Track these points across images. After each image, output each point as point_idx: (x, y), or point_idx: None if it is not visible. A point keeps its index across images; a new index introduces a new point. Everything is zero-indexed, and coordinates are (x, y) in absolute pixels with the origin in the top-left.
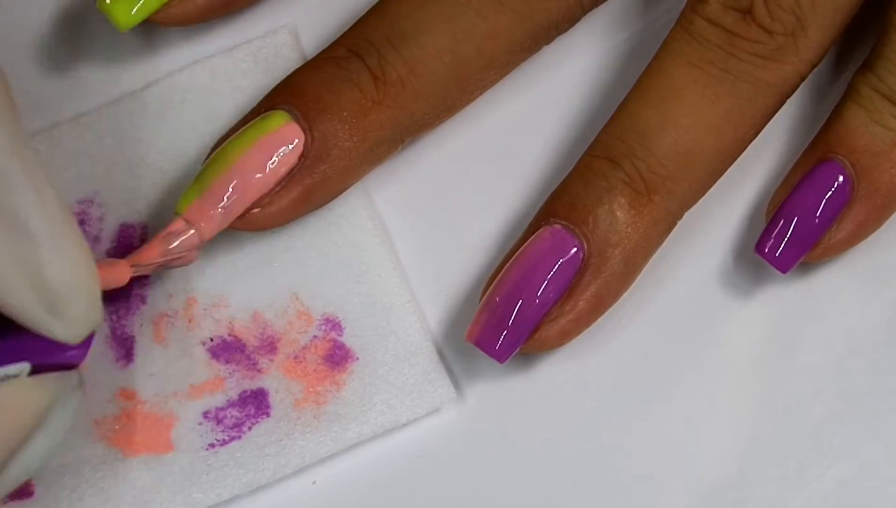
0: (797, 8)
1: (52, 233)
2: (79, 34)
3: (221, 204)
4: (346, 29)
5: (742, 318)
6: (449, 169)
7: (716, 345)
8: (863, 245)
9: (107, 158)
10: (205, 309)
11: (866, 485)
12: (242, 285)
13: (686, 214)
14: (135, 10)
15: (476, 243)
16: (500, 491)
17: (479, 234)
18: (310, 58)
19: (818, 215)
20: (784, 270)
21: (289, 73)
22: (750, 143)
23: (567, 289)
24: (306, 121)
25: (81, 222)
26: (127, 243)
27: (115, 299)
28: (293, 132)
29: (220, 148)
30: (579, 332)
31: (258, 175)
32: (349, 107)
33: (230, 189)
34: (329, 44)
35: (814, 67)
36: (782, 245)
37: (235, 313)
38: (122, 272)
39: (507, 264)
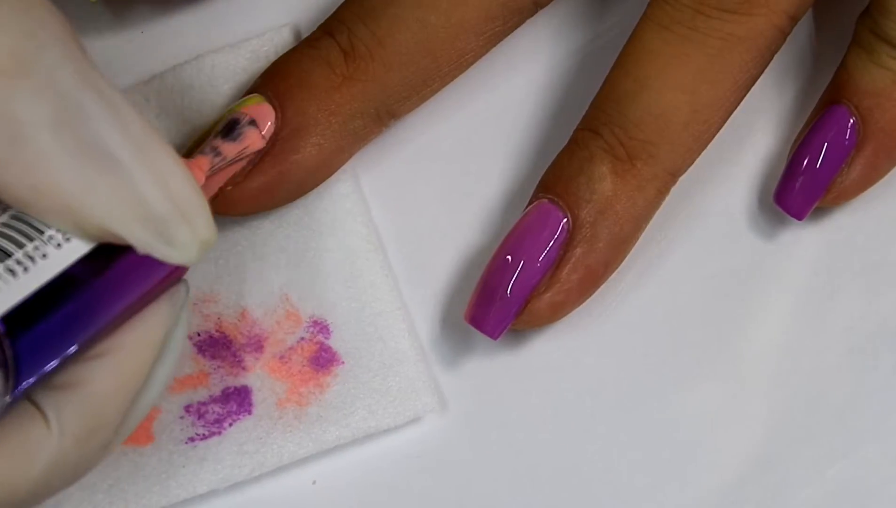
0: None
1: (142, 159)
2: (79, 30)
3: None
4: None
5: (742, 318)
6: (444, 176)
7: (715, 346)
8: (863, 245)
9: None
10: (193, 304)
11: (866, 485)
12: (233, 282)
13: (693, 211)
14: None
15: (469, 252)
16: (507, 488)
17: (472, 243)
18: None
19: (827, 158)
20: (799, 216)
21: None
22: (737, 101)
23: (556, 261)
24: (277, 99)
25: None
26: None
27: None
28: (264, 111)
29: (201, 132)
30: (572, 305)
31: (231, 154)
32: (319, 83)
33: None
34: None
35: (792, 18)
36: (795, 191)
37: (224, 310)
38: (199, 175)
39: (499, 243)
